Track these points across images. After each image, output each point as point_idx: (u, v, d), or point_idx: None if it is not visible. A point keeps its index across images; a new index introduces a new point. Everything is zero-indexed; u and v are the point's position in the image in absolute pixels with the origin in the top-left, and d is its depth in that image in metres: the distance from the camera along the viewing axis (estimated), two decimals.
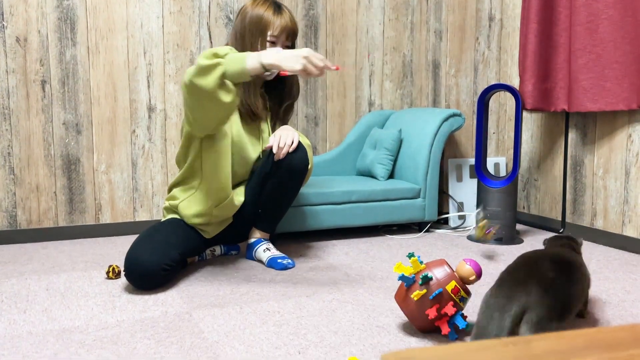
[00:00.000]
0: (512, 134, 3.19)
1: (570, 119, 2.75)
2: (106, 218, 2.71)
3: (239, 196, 2.20)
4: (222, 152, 2.07)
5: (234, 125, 2.15)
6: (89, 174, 2.67)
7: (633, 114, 2.45)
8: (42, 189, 2.60)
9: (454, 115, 2.82)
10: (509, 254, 2.42)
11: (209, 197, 2.08)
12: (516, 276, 1.32)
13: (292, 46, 2.21)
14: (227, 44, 2.23)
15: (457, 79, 3.24)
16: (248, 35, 2.15)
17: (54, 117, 2.59)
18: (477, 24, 3.24)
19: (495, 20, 3.24)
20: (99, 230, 2.69)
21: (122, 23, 2.65)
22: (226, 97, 1.83)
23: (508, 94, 3.21)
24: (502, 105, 3.24)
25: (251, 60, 1.79)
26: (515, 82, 3.15)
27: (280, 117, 2.30)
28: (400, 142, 2.90)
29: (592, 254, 2.41)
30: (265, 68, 1.79)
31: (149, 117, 2.73)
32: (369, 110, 3.13)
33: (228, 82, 1.83)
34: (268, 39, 2.13)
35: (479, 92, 3.28)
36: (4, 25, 2.48)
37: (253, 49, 2.14)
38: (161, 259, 1.93)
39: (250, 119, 2.20)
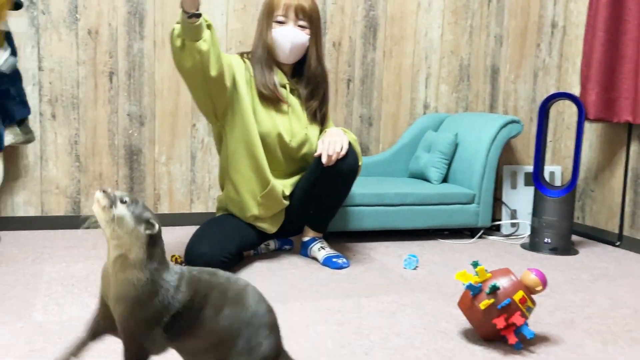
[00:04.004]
0: (569, 143, 3.15)
1: (634, 131, 2.70)
2: (164, 208, 2.78)
3: (284, 187, 2.21)
4: (247, 135, 2.10)
5: (259, 110, 2.14)
6: (150, 165, 2.74)
7: None
8: (104, 178, 2.68)
9: (512, 122, 2.79)
10: (565, 264, 2.39)
11: (249, 184, 2.12)
12: None
13: (309, 26, 2.17)
14: None
15: (516, 85, 3.21)
16: (260, 21, 2.20)
17: (119, 108, 2.67)
18: (539, 30, 3.20)
19: (557, 27, 3.20)
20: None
21: None
22: (189, 58, 1.88)
23: (567, 102, 3.16)
24: (560, 114, 3.20)
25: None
26: (575, 91, 3.10)
27: (305, 101, 2.24)
28: (456, 146, 2.89)
29: None
30: (183, 9, 1.80)
31: None
32: (424, 113, 3.13)
33: (187, 42, 1.86)
34: (275, 19, 2.15)
35: (538, 99, 3.24)
36: (77, 18, 2.56)
37: (265, 33, 2.16)
38: (220, 252, 1.98)
39: (270, 100, 2.16)
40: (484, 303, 1.46)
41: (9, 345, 1.41)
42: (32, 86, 2.54)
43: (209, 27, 1.90)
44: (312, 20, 2.19)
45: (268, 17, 2.17)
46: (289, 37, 2.14)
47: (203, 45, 1.87)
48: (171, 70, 2.71)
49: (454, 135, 2.87)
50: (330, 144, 2.07)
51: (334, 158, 2.06)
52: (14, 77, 2.28)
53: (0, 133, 1.76)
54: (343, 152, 2.07)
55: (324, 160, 2.06)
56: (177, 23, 1.87)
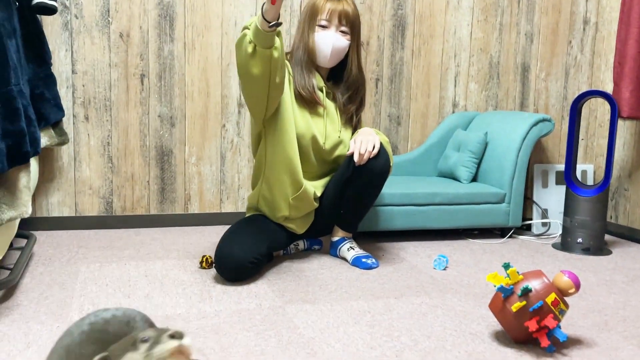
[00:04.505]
0: (601, 141, 3.09)
1: None
2: (194, 208, 2.81)
3: (316, 189, 2.22)
4: (286, 137, 2.10)
5: (295, 111, 2.16)
6: (181, 165, 2.77)
7: None
8: (136, 178, 2.73)
9: (543, 120, 2.76)
10: (598, 265, 2.36)
11: (282, 186, 2.13)
12: None
13: (350, 32, 2.19)
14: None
15: (547, 83, 3.17)
16: (302, 23, 2.20)
17: (150, 110, 2.71)
18: (570, 27, 3.15)
19: (590, 24, 3.14)
20: (187, 219, 2.80)
21: (217, 21, 2.73)
22: (259, 65, 1.86)
23: (599, 100, 3.10)
24: (592, 111, 3.15)
25: (258, 18, 1.81)
26: (607, 88, 3.04)
27: (343, 105, 2.26)
28: (486, 145, 2.86)
29: None
30: (263, 16, 1.77)
31: (239, 112, 2.81)
32: (453, 111, 3.11)
33: (259, 49, 1.84)
34: (318, 23, 2.15)
35: (569, 97, 3.19)
36: (109, 21, 2.61)
37: (307, 36, 2.17)
38: (250, 253, 2.00)
39: (307, 102, 2.18)
40: (515, 305, 1.45)
41: (47, 346, 1.45)
42: (65, 89, 2.59)
43: (277, 34, 1.91)
44: (353, 26, 2.20)
45: (311, 20, 2.18)
46: (331, 42, 2.15)
47: (275, 52, 1.87)
48: (201, 72, 2.74)
49: (483, 134, 2.84)
50: (363, 142, 2.08)
51: (365, 157, 2.07)
52: (48, 80, 2.33)
53: (37, 137, 1.81)
54: (375, 152, 2.08)
55: (356, 158, 2.07)
56: (245, 28, 1.87)
